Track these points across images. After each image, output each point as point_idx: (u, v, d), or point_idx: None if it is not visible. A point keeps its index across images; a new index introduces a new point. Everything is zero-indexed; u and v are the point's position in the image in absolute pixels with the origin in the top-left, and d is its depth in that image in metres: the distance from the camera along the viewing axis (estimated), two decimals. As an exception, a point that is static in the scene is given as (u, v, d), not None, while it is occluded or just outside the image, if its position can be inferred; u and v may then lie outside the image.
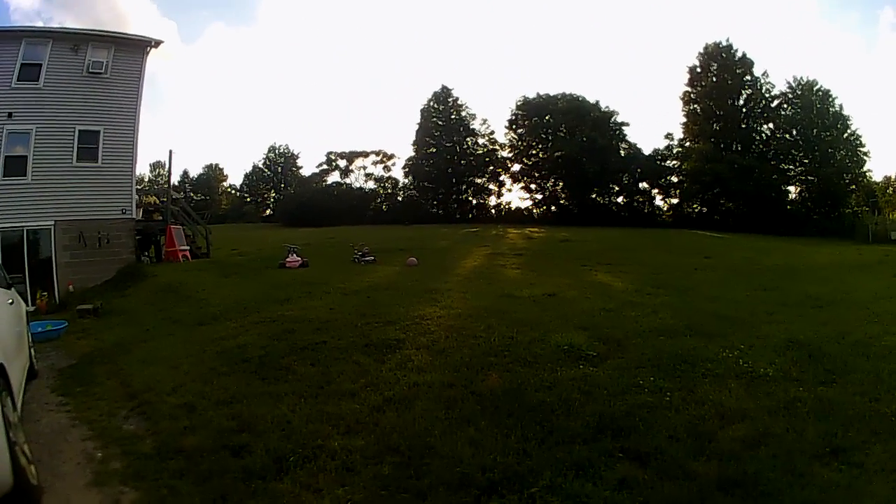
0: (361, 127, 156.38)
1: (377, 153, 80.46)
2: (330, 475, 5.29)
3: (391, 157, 79.94)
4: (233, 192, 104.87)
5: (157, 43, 23.00)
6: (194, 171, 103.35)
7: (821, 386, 7.35)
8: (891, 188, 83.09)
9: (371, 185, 80.00)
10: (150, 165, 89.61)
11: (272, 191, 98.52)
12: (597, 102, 69.13)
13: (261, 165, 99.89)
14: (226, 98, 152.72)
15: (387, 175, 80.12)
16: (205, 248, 26.25)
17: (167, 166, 50.17)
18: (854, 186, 59.50)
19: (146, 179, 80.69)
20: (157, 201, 27.25)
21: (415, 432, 6.10)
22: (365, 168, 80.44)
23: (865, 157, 58.89)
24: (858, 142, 58.70)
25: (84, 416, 7.20)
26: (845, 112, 59.32)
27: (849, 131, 58.84)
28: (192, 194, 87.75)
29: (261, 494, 5.02)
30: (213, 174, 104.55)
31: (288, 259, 21.57)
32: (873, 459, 5.41)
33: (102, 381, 8.82)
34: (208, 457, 5.71)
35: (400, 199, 76.43)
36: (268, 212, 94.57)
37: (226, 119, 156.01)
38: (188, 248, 24.42)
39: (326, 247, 29.96)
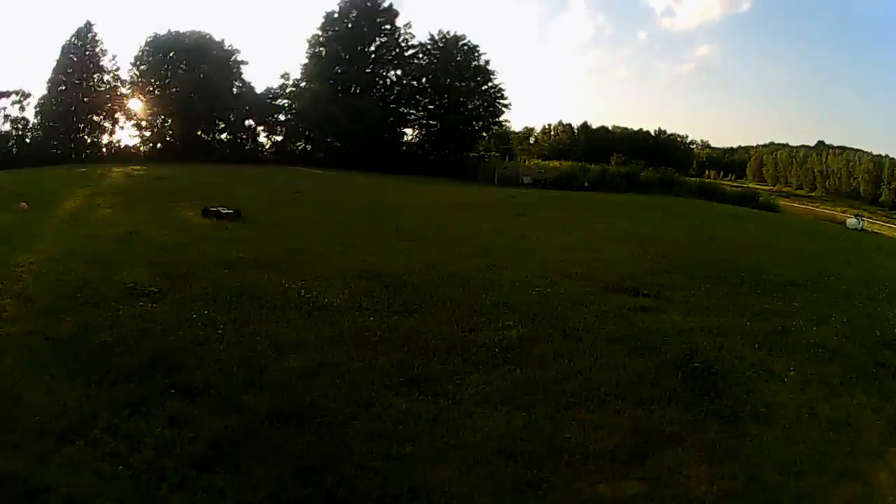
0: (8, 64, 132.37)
1: (17, 92, 70.78)
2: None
3: (28, 95, 69.84)
4: None
5: None
6: None
7: (396, 316, 7.51)
8: (533, 138, 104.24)
9: (8, 126, 70.22)
10: None
11: None
12: (222, 40, 67.41)
13: None
14: None
15: (21, 115, 71.05)
16: None
17: None
18: (485, 134, 66.80)
19: None
20: None
21: (5, 385, 5.89)
22: (5, 109, 70.06)
23: (504, 108, 65.73)
24: (500, 94, 64.97)
25: None
26: (491, 67, 65.17)
27: (489, 84, 64.85)
28: None
29: None
30: None
31: None
32: (470, 391, 5.58)
33: None
34: None
35: (28, 140, 68.26)
36: None
37: None
38: None
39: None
